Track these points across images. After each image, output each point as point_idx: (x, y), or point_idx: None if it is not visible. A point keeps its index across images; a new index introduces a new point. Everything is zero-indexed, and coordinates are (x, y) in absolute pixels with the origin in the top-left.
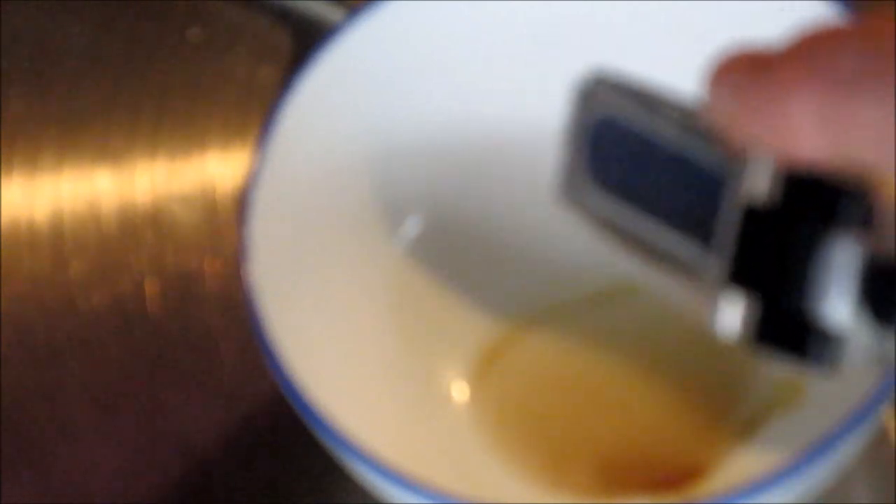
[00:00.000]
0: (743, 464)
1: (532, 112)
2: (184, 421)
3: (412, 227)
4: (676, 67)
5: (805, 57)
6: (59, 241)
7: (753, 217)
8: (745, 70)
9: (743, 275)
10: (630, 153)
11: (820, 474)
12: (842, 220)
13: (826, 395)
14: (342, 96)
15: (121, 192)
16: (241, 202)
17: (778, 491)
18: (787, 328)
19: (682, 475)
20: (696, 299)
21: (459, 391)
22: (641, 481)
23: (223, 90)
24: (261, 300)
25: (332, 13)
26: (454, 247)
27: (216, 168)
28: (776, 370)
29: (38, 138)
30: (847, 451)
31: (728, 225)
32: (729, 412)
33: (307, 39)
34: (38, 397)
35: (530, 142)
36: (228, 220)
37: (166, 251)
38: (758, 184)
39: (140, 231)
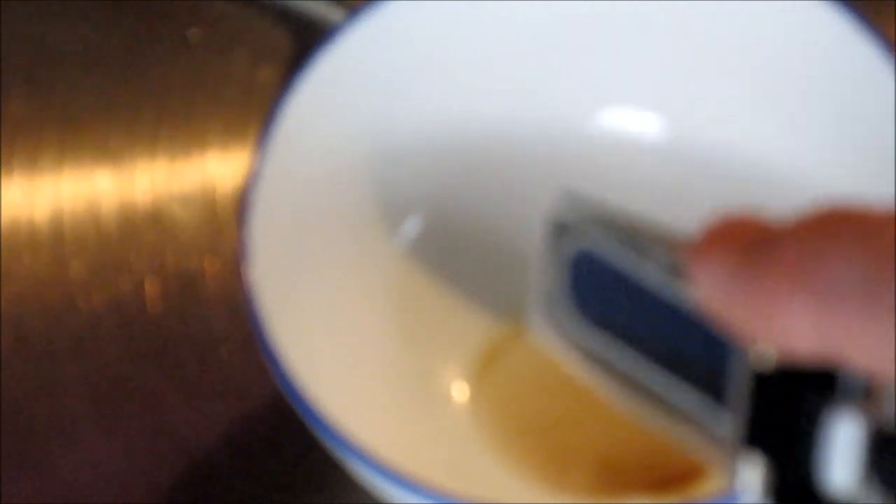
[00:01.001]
0: None
1: (532, 112)
2: (184, 421)
3: (412, 227)
4: (676, 67)
5: (799, 256)
6: (59, 241)
7: (763, 380)
8: (734, 255)
9: (757, 437)
10: (616, 291)
11: None
12: (844, 395)
13: None
14: (342, 96)
15: (121, 192)
16: (241, 202)
17: None
18: (799, 495)
19: (682, 475)
20: (704, 448)
21: (459, 391)
22: (641, 481)
23: (223, 90)
24: (261, 300)
25: (332, 13)
26: (454, 247)
27: (216, 168)
28: None
29: (38, 138)
30: None
31: (740, 385)
32: None
33: (307, 39)
34: (38, 397)
35: (530, 142)
36: (228, 220)
37: (166, 251)
38: (764, 352)
39: (140, 231)
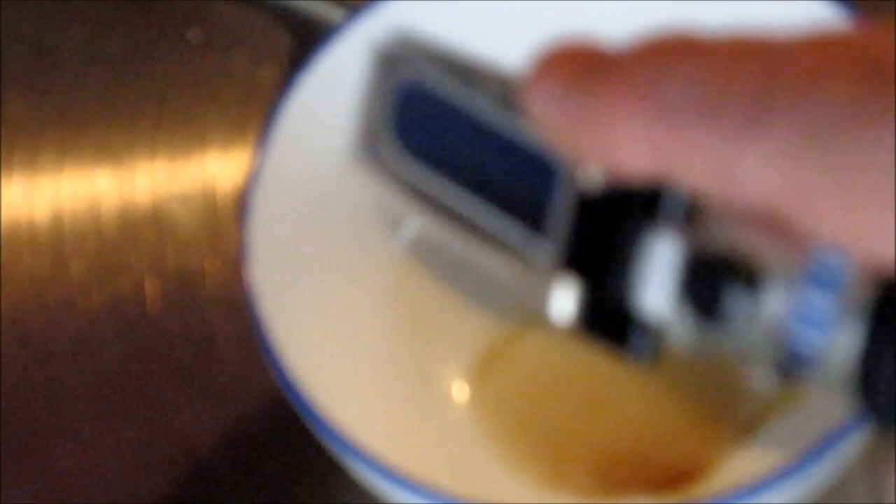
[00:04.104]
0: (743, 464)
1: None
2: (184, 421)
3: (412, 227)
4: None
5: (634, 77)
6: (59, 241)
7: (586, 205)
8: (570, 75)
9: (575, 262)
10: (442, 123)
11: (820, 474)
12: (665, 216)
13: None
14: (342, 96)
15: (121, 192)
16: (241, 202)
17: (778, 491)
18: (612, 319)
19: (682, 475)
20: (523, 280)
21: (459, 391)
22: (641, 481)
23: (223, 90)
24: (261, 300)
25: (332, 13)
26: (454, 247)
27: (216, 168)
28: None
29: (38, 138)
30: (847, 451)
31: (561, 210)
32: (729, 412)
33: (307, 39)
34: (38, 397)
35: None
36: (228, 220)
37: (166, 251)
38: (591, 173)
39: (140, 231)
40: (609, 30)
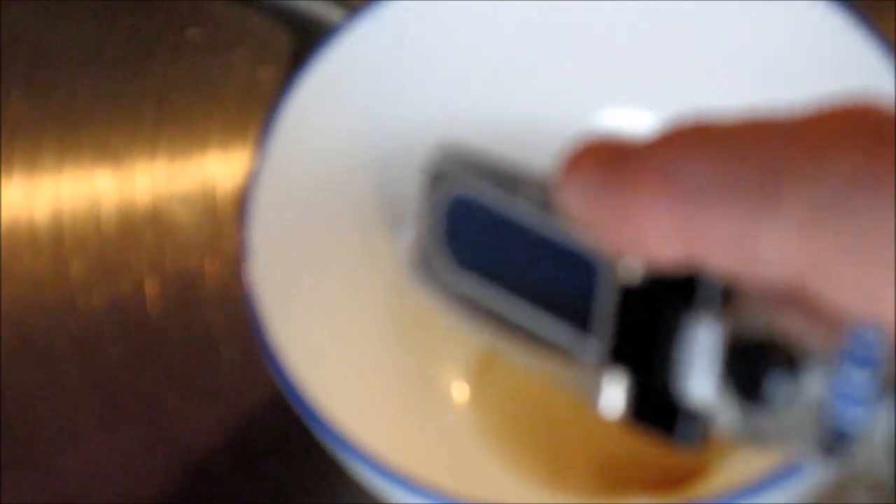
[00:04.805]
0: (743, 464)
1: (532, 112)
2: (184, 421)
3: (412, 227)
4: (676, 67)
5: (656, 165)
6: (59, 241)
7: (628, 298)
8: (597, 168)
9: (621, 355)
10: (490, 233)
11: (820, 474)
12: (702, 302)
13: None
14: (342, 96)
15: (121, 192)
16: (241, 202)
17: (778, 491)
18: (658, 407)
19: (682, 475)
20: (573, 379)
21: (459, 391)
22: (641, 481)
23: (223, 90)
24: (261, 300)
25: (332, 13)
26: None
27: (216, 168)
28: None
29: (38, 138)
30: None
31: (604, 306)
32: None
33: (307, 39)
34: (39, 397)
35: (530, 141)
36: (228, 220)
37: (166, 251)
38: (629, 265)
39: (140, 231)
40: (609, 30)
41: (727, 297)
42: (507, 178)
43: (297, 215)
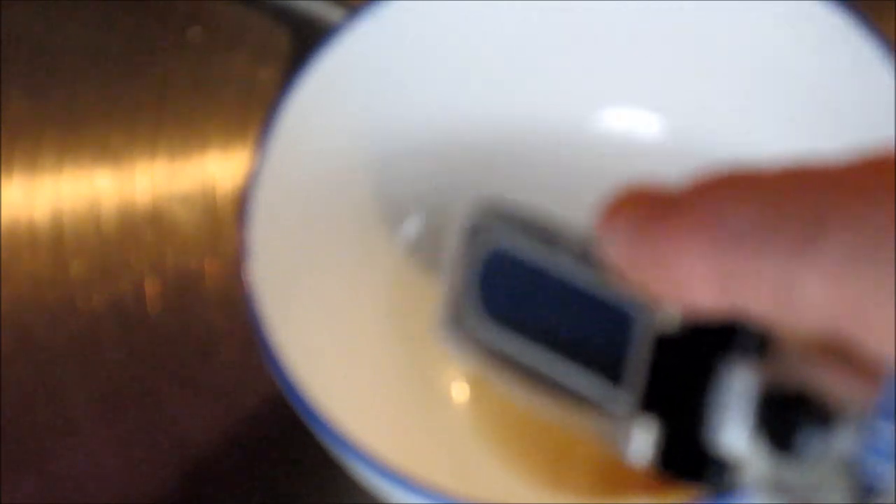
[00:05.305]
0: None
1: (532, 112)
2: (184, 421)
3: (412, 227)
4: (676, 67)
5: (700, 208)
6: (59, 241)
7: (662, 347)
8: (636, 217)
9: (652, 404)
10: (525, 286)
11: None
12: (738, 351)
13: None
14: (342, 96)
15: (121, 192)
16: (241, 202)
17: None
18: (688, 456)
19: None
20: (603, 429)
21: (459, 391)
22: (641, 481)
23: (223, 90)
24: (261, 300)
25: (332, 13)
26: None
27: (216, 168)
28: None
29: (38, 138)
30: None
31: (639, 356)
32: None
33: (307, 39)
34: (38, 397)
35: (530, 142)
36: (228, 220)
37: (166, 251)
38: (666, 314)
39: (140, 231)
40: (609, 30)
41: (764, 346)
42: (544, 231)
43: (297, 215)
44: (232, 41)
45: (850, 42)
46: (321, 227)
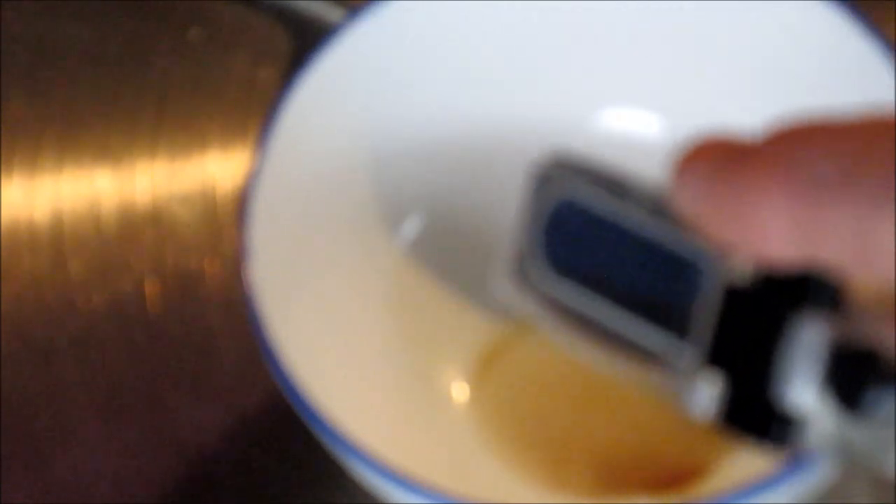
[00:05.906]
0: (743, 464)
1: (532, 112)
2: (184, 421)
3: (412, 227)
4: (676, 67)
5: (780, 156)
6: (59, 241)
7: (731, 300)
8: (713, 163)
9: (718, 358)
10: (591, 237)
11: (820, 474)
12: (809, 306)
13: None
14: (342, 96)
15: (121, 192)
16: (241, 202)
17: (778, 491)
18: (753, 411)
19: (682, 475)
20: (665, 384)
21: (459, 391)
22: (641, 481)
23: (223, 90)
24: (261, 300)
25: (332, 13)
26: (454, 247)
27: (216, 168)
28: None
29: (38, 138)
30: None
31: (707, 310)
32: None
33: (307, 39)
34: (38, 397)
35: (530, 141)
36: (228, 220)
37: (166, 251)
38: (739, 265)
39: (140, 231)
40: (609, 30)
41: (836, 301)
42: (613, 183)
43: (297, 215)
44: (232, 41)
45: (850, 42)
46: (321, 227)
